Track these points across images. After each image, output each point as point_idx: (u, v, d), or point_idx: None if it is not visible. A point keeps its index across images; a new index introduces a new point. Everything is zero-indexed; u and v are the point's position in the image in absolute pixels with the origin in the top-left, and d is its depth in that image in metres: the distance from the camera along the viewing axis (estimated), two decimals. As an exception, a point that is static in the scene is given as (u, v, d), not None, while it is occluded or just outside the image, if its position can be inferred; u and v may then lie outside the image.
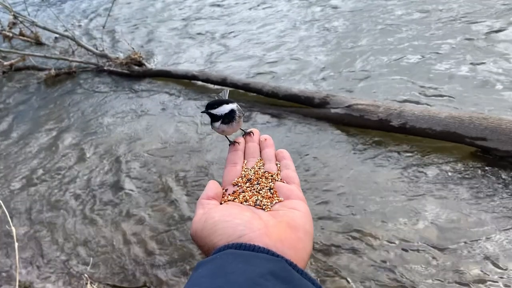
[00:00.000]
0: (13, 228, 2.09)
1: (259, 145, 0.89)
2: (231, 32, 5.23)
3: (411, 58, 3.88)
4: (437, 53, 3.84)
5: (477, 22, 4.10)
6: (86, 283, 2.59)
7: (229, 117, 0.94)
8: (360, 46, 4.24)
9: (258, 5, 5.71)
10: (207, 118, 1.00)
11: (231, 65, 4.56)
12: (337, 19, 4.84)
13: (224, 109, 0.94)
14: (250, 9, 5.69)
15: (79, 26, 6.59)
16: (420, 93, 3.43)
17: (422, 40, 4.07)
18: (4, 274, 2.88)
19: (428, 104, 3.27)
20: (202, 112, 0.97)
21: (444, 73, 3.58)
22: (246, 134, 0.92)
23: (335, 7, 5.09)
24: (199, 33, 5.44)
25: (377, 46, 4.16)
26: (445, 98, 3.31)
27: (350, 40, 4.39)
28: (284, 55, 4.46)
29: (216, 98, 1.04)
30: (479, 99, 3.21)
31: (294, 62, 4.30)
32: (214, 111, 0.94)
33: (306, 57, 4.32)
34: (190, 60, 4.90)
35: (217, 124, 0.95)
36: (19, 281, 2.57)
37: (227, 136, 0.97)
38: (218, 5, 6.05)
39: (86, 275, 2.65)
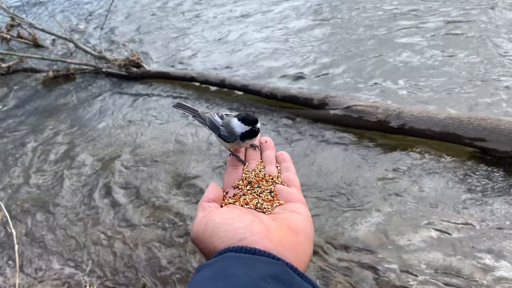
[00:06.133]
0: (13, 230, 2.08)
1: (260, 147, 0.90)
2: (230, 34, 5.24)
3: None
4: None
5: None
6: (85, 286, 2.58)
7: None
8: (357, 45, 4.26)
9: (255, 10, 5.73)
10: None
11: (229, 66, 4.56)
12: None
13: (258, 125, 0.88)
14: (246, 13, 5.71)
15: (78, 28, 6.59)
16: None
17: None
18: (0, 277, 2.86)
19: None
20: (254, 129, 0.88)
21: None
22: None
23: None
24: (201, 35, 5.44)
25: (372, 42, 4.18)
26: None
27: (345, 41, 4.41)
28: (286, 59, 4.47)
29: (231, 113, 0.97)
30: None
31: (291, 63, 4.31)
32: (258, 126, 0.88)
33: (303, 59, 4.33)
34: (190, 62, 4.90)
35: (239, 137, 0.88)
36: (18, 284, 2.56)
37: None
38: (218, 8, 6.07)
39: (85, 278, 2.64)
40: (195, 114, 1.00)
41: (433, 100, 3.35)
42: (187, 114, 1.02)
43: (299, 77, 4.08)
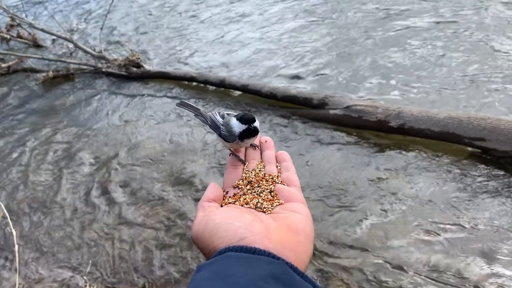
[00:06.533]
0: (13, 230, 2.08)
1: (260, 147, 0.90)
2: (226, 34, 5.24)
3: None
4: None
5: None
6: (85, 286, 2.58)
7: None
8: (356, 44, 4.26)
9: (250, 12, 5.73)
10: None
11: (227, 66, 4.56)
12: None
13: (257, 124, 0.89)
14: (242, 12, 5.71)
15: (77, 28, 6.58)
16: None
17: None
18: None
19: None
20: (250, 127, 0.88)
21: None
22: None
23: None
24: (197, 35, 5.44)
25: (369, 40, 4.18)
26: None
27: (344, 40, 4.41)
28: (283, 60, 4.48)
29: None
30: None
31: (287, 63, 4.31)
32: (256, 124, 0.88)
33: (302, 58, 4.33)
34: (187, 61, 4.90)
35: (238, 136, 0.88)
36: (18, 285, 2.56)
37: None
38: (215, 8, 6.07)
39: (85, 277, 2.64)
40: (197, 113, 1.00)
41: (426, 101, 3.34)
42: (188, 112, 1.02)
43: (295, 77, 4.08)
